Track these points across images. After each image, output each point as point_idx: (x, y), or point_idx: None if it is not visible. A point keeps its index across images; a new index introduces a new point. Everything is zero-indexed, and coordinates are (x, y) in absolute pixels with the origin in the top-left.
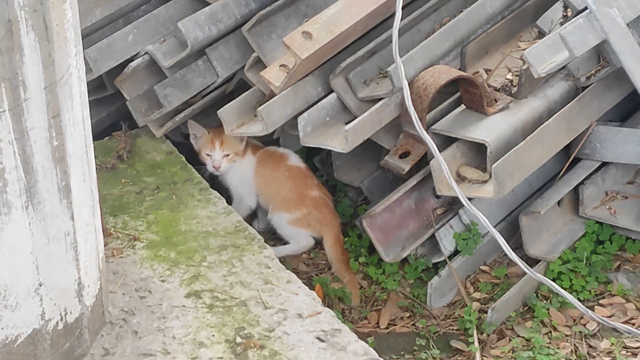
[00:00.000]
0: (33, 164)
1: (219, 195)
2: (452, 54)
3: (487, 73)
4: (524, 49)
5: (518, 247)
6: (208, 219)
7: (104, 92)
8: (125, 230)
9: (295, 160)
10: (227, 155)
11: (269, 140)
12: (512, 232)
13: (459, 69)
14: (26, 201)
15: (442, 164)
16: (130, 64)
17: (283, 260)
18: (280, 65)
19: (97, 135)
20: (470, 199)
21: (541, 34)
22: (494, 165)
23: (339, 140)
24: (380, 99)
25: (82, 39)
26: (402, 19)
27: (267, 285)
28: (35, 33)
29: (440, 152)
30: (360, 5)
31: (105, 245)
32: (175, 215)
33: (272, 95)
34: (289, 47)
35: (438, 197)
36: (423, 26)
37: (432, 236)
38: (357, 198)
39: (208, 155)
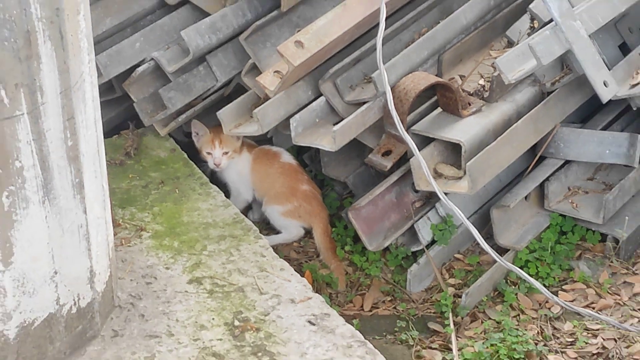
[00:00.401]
0: (49, 162)
1: (218, 189)
2: (429, 61)
3: (461, 79)
4: (495, 57)
5: (489, 237)
6: (208, 211)
7: (113, 94)
8: (133, 221)
9: (287, 157)
10: (226, 152)
11: (263, 139)
12: (484, 223)
13: (436, 75)
14: (43, 196)
15: (422, 162)
16: (137, 69)
17: (275, 248)
18: (275, 71)
19: (107, 133)
20: (446, 194)
21: (510, 44)
22: (468, 164)
23: (328, 140)
24: (364, 103)
25: (94, 46)
26: (384, 30)
27: (262, 272)
28: (52, 42)
29: (419, 151)
30: (347, 17)
31: (114, 235)
32: (178, 207)
33: (267, 98)
34: (282, 54)
35: (417, 191)
36: (403, 36)
37: (412, 227)
38: (342, 192)
39: (209, 153)
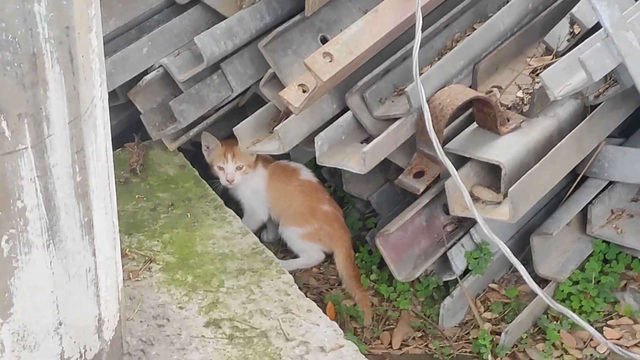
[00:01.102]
0: (55, 201)
1: (234, 213)
2: (464, 71)
3: (498, 90)
4: (533, 65)
5: (525, 263)
6: (224, 240)
7: (116, 101)
8: (141, 250)
9: (307, 174)
10: (240, 167)
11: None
12: (520, 249)
13: (471, 86)
14: (47, 240)
15: (463, 189)
16: (145, 77)
17: (294, 274)
18: (299, 85)
19: None
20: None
21: (548, 50)
22: (510, 189)
23: (356, 161)
24: (395, 119)
25: None
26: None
27: (287, 314)
28: (61, 66)
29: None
30: (379, 25)
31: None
32: (191, 235)
33: (288, 112)
34: (310, 69)
35: (448, 213)
36: (436, 42)
37: (443, 254)
38: (364, 210)
39: (221, 168)
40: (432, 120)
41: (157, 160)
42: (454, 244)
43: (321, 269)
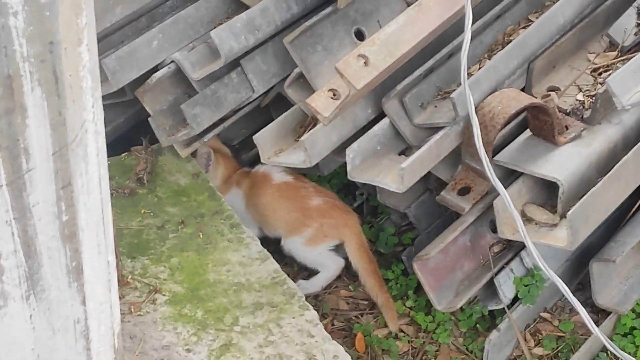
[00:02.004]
0: (36, 245)
1: (252, 234)
2: (518, 71)
3: (555, 92)
4: (594, 63)
5: (579, 289)
6: (240, 266)
7: (123, 97)
8: (145, 277)
9: (279, 176)
10: None
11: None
12: (576, 270)
13: (525, 87)
14: (27, 290)
15: (514, 213)
16: (154, 74)
17: (320, 298)
18: (329, 90)
19: (114, 143)
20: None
21: (612, 44)
22: (569, 213)
23: (393, 177)
24: (439, 127)
25: (99, 42)
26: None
27: None
28: (42, 89)
29: (504, 187)
30: (423, 21)
31: (121, 298)
32: (203, 259)
33: (316, 118)
34: (342, 74)
35: (496, 231)
36: (485, 37)
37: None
38: (400, 222)
39: None
40: (480, 131)
41: (167, 168)
42: (502, 268)
43: (351, 289)
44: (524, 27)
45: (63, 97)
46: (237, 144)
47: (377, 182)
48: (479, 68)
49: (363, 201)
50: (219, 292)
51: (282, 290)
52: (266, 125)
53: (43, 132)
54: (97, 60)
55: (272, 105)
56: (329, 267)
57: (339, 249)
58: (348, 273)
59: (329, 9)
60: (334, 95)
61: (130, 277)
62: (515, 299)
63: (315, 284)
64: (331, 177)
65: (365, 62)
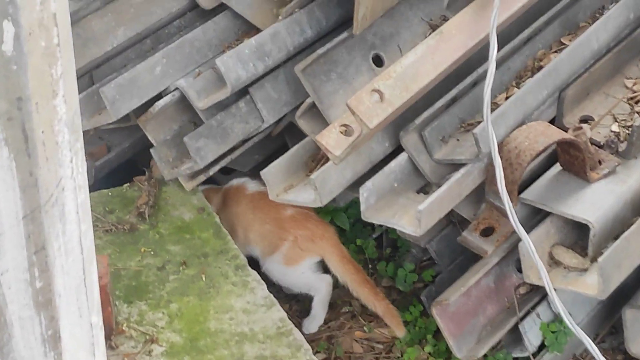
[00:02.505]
0: (6, 316)
1: (258, 277)
2: (548, 101)
3: (588, 123)
4: (632, 89)
5: (612, 332)
6: (244, 314)
7: (127, 122)
8: (141, 325)
9: (253, 186)
10: None
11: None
12: (607, 314)
13: (555, 117)
14: None
15: (537, 261)
16: (157, 102)
17: (333, 340)
18: (341, 126)
19: (118, 170)
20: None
21: None
22: (600, 259)
23: (409, 219)
24: (461, 164)
25: (99, 66)
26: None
27: None
28: (10, 149)
29: (531, 226)
30: (444, 52)
31: (114, 349)
32: (204, 305)
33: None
34: (354, 112)
35: (522, 270)
36: (513, 63)
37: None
38: (421, 256)
39: None
40: (505, 168)
41: (171, 201)
42: (528, 312)
43: (366, 329)
44: (555, 51)
45: (34, 156)
46: (249, 171)
47: (392, 223)
48: (506, 97)
49: (382, 233)
50: (219, 343)
51: (287, 341)
52: (280, 151)
53: (12, 195)
54: (77, 109)
55: (286, 131)
56: (317, 288)
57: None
58: (364, 313)
59: (344, 34)
60: (346, 131)
61: (125, 324)
62: (542, 346)
63: (314, 319)
64: (348, 207)
65: (379, 98)
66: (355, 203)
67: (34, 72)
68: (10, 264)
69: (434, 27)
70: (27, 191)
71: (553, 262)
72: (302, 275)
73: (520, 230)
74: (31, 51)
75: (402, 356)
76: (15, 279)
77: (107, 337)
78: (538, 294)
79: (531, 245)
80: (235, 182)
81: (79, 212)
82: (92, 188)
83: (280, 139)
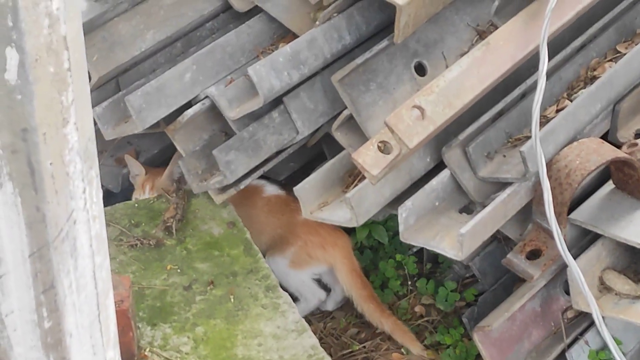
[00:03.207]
0: (11, 359)
1: (289, 299)
2: (601, 114)
3: None
4: None
5: None
6: (274, 339)
7: (157, 128)
8: (165, 350)
9: (271, 189)
10: None
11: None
12: None
13: (609, 132)
14: None
15: (587, 293)
16: (186, 111)
17: None
18: (379, 143)
19: None
20: None
21: None
22: None
23: (451, 242)
24: (506, 182)
25: (128, 71)
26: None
27: None
28: (15, 183)
29: (581, 247)
30: (490, 64)
31: None
32: (232, 329)
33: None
34: (392, 130)
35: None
36: (565, 72)
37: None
38: (464, 273)
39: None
40: (554, 188)
41: (200, 214)
42: (576, 339)
43: (403, 351)
44: (610, 60)
45: (41, 189)
46: (284, 180)
47: (432, 246)
48: (557, 110)
49: (422, 247)
50: None
51: None
52: (318, 159)
53: (17, 232)
54: (91, 134)
55: (324, 140)
56: (308, 298)
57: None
58: None
59: (385, 42)
60: (385, 148)
61: (148, 349)
62: None
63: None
64: (387, 220)
65: (420, 115)
66: (396, 216)
67: (41, 101)
68: (16, 305)
69: (480, 34)
70: (34, 227)
71: (603, 288)
72: (301, 282)
73: (569, 259)
74: (38, 79)
75: None
76: (22, 320)
77: None
78: (587, 319)
79: (580, 276)
80: (254, 182)
81: (93, 245)
82: (119, 196)
83: (317, 146)
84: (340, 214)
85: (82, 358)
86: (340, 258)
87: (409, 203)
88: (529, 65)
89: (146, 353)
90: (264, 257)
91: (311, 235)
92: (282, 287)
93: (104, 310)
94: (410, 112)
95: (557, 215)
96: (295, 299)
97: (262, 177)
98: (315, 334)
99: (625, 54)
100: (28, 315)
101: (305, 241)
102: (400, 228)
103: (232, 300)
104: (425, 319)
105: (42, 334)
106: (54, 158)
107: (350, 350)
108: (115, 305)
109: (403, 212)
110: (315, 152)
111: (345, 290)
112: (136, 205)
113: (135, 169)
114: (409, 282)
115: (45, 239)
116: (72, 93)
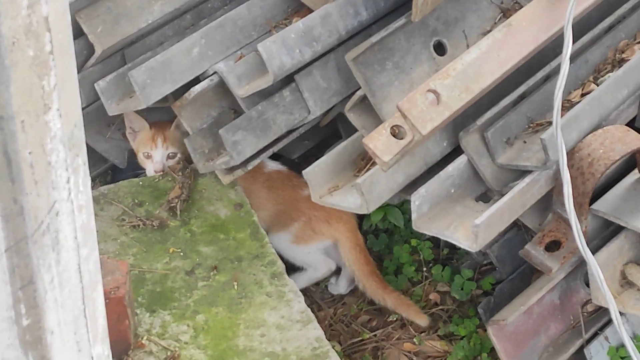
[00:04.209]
0: None
1: (295, 287)
2: (628, 99)
3: None
4: None
5: None
6: (277, 330)
7: (166, 102)
8: (163, 339)
9: (273, 165)
10: (173, 156)
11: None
12: None
13: (636, 117)
14: None
15: (604, 287)
16: (194, 88)
17: (378, 353)
18: (393, 127)
19: None
20: None
21: None
22: None
23: (466, 233)
24: (526, 170)
25: (134, 44)
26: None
27: None
28: None
29: (603, 238)
30: (512, 47)
31: None
32: (234, 317)
33: None
34: (405, 116)
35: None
36: (592, 55)
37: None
38: (481, 259)
39: (148, 156)
40: (576, 178)
41: (206, 194)
42: (596, 334)
43: (415, 341)
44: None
45: (19, 180)
46: (297, 158)
47: (446, 236)
48: (582, 94)
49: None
50: None
51: None
52: (333, 136)
53: None
54: (78, 120)
55: (339, 119)
56: (317, 268)
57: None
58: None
59: (402, 20)
60: (398, 133)
61: (146, 337)
62: None
63: (298, 283)
64: (403, 202)
65: (435, 100)
66: None
67: (18, 87)
68: None
69: (505, 12)
70: (11, 220)
71: (625, 283)
72: (306, 254)
73: (588, 255)
74: (15, 63)
75: None
76: None
77: (124, 353)
78: (608, 313)
79: (599, 273)
80: None
81: (79, 237)
82: (124, 173)
83: (333, 124)
84: (351, 200)
85: (65, 356)
86: (345, 232)
87: (422, 190)
88: (554, 45)
89: (143, 341)
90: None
91: (315, 210)
92: (282, 258)
93: (90, 304)
94: (424, 96)
95: (578, 206)
96: (299, 270)
97: (274, 155)
98: (324, 320)
99: None
100: (4, 312)
101: (309, 217)
102: (413, 216)
103: (236, 287)
104: (440, 307)
105: (20, 332)
106: (34, 147)
107: (360, 338)
108: (111, 292)
109: (416, 200)
110: (330, 130)
111: (347, 266)
112: (140, 183)
113: (138, 123)
114: (424, 269)
115: (23, 233)
116: (54, 77)
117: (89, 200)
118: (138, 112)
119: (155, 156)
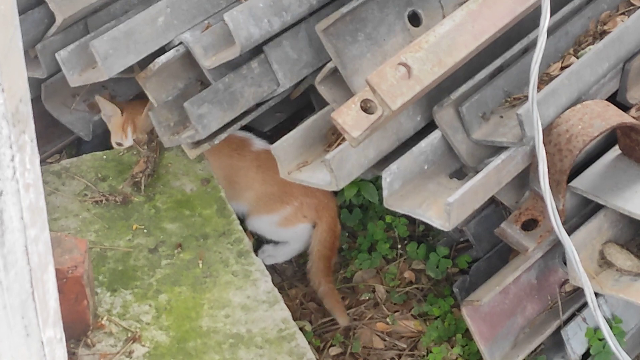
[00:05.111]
0: None
1: (262, 266)
2: (609, 73)
3: None
4: None
5: None
6: (242, 311)
7: (131, 73)
8: (124, 320)
9: (260, 143)
10: None
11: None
12: None
13: (618, 91)
14: None
15: (579, 270)
16: (158, 58)
17: (350, 333)
18: (362, 101)
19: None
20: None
21: None
22: None
23: (438, 211)
24: (502, 147)
25: (97, 12)
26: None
27: None
28: None
29: (582, 216)
30: (487, 18)
31: (90, 347)
32: (198, 297)
33: None
34: (374, 90)
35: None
36: (572, 26)
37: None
38: (457, 236)
39: (119, 144)
40: (554, 155)
41: (172, 169)
42: (573, 314)
43: (389, 320)
44: (623, 13)
45: None
46: (269, 131)
47: (418, 214)
48: (562, 67)
49: None
50: (211, 345)
51: (289, 348)
52: (307, 108)
53: None
54: (24, 94)
55: (311, 91)
56: (298, 240)
57: None
58: (388, 301)
59: None
60: (368, 107)
61: (106, 317)
62: (587, 354)
63: (280, 255)
64: (377, 178)
65: (406, 73)
66: None
67: None
68: None
69: None
70: None
71: (604, 263)
72: (290, 232)
73: (563, 236)
74: None
75: (427, 356)
76: None
77: (83, 334)
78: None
79: (575, 255)
80: (239, 133)
81: (25, 217)
82: (89, 146)
83: (305, 96)
84: (320, 176)
85: (12, 341)
86: (327, 218)
87: (394, 167)
88: (534, 17)
89: (103, 322)
90: (248, 214)
91: (307, 197)
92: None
93: (40, 287)
94: (395, 70)
95: (556, 183)
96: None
97: (245, 128)
98: (295, 298)
99: (639, 7)
100: None
101: (301, 202)
102: (384, 194)
103: (201, 265)
104: (415, 285)
105: None
106: None
107: (331, 317)
108: (68, 271)
109: (387, 177)
110: (304, 101)
111: (311, 245)
112: (104, 157)
113: (109, 109)
114: (399, 246)
115: None
116: None
117: (37, 179)
118: (106, 80)
119: (126, 146)
